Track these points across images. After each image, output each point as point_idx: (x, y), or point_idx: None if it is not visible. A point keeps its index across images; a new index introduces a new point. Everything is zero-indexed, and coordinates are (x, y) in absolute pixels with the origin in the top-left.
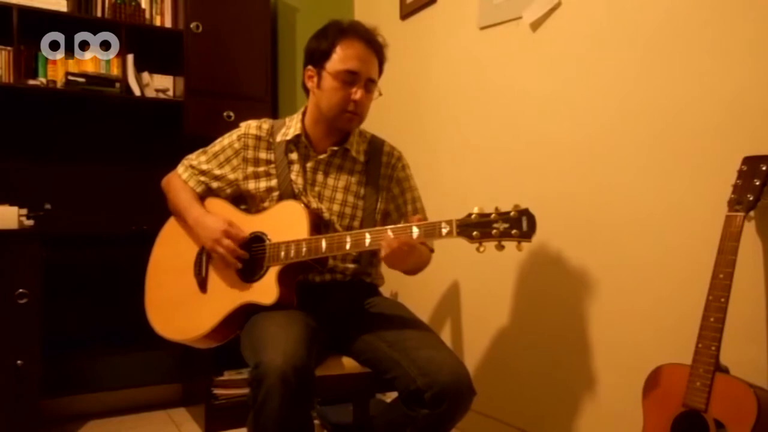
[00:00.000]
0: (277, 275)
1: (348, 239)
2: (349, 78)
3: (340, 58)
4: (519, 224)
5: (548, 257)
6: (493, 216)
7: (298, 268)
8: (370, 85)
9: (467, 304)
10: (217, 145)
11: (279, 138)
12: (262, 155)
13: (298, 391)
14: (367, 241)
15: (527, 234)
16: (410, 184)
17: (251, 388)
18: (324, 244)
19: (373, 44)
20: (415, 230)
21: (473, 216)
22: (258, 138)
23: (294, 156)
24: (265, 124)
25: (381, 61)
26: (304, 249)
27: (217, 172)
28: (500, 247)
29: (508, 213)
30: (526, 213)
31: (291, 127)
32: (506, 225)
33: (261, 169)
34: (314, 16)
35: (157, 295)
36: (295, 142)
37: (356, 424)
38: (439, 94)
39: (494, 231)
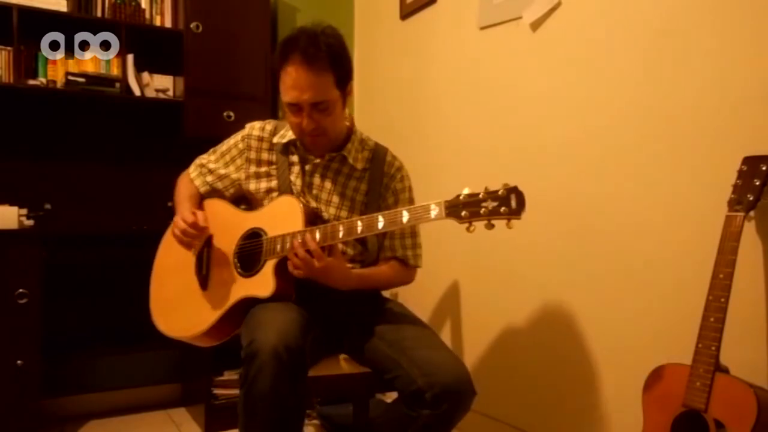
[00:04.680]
0: (274, 268)
1: (340, 227)
2: (293, 109)
3: (283, 90)
4: (508, 202)
5: (548, 257)
6: (481, 195)
7: None
8: (320, 106)
9: (467, 304)
10: (224, 145)
11: (276, 139)
12: (264, 156)
13: (291, 369)
14: (359, 228)
15: (516, 211)
16: (406, 196)
17: (243, 365)
18: (318, 234)
19: (313, 64)
20: (405, 214)
21: (462, 196)
22: (260, 139)
23: (295, 158)
24: (269, 125)
25: (336, 72)
26: (298, 240)
27: (222, 171)
28: (490, 226)
29: (496, 191)
30: (514, 191)
31: (290, 130)
32: (495, 203)
33: (263, 169)
34: (314, 16)
35: (160, 295)
36: (294, 144)
37: (356, 424)
38: (439, 94)
39: (483, 210)
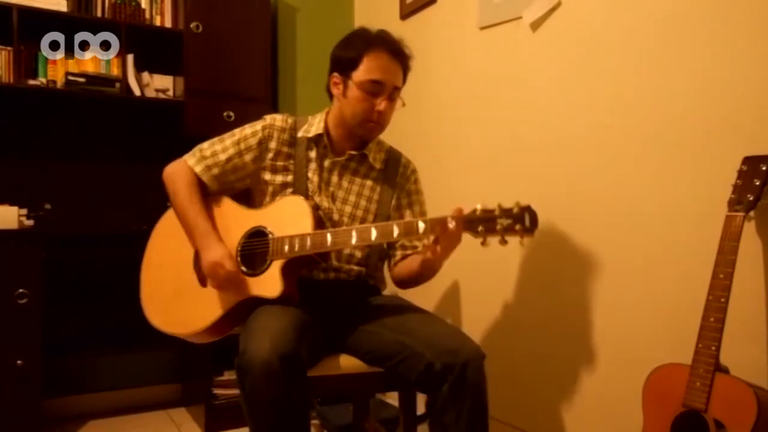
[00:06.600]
0: (281, 269)
1: (354, 233)
2: (374, 88)
3: (366, 69)
4: (522, 220)
5: (548, 258)
6: (496, 212)
7: (301, 263)
8: (394, 93)
9: (467, 304)
10: (237, 134)
11: (301, 134)
12: (284, 149)
13: (286, 377)
14: (373, 235)
15: (530, 229)
16: (419, 198)
17: (237, 377)
18: (329, 238)
19: (398, 55)
20: (422, 225)
21: (478, 212)
22: (283, 130)
23: (313, 154)
24: (290, 118)
25: (405, 71)
26: (308, 243)
27: (237, 160)
28: (504, 242)
29: (510, 209)
30: (528, 210)
31: (314, 125)
32: (509, 221)
33: (280, 163)
34: (314, 16)
35: (154, 289)
36: (315, 141)
37: (356, 424)
38: (440, 94)
39: (498, 227)
